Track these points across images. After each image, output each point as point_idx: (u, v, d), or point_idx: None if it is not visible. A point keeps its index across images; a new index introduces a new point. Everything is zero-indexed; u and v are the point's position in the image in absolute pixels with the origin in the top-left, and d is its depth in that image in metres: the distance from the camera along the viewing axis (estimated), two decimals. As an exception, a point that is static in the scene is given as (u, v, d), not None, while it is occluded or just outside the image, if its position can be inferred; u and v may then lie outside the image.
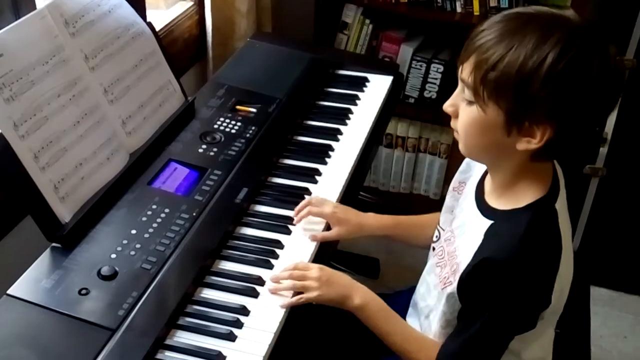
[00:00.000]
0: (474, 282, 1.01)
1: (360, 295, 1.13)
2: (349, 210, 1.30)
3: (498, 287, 0.99)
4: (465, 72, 0.97)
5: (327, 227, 1.27)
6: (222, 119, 1.46)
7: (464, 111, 1.00)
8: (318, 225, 1.27)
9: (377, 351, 1.18)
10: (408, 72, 2.15)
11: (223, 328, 1.03)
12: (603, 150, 2.06)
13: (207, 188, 1.27)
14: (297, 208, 1.26)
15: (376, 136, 1.60)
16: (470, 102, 0.98)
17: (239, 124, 1.46)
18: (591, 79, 0.91)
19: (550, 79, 0.90)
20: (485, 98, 0.95)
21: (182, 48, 1.92)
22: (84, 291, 1.03)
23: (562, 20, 0.93)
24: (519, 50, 0.91)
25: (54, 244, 1.11)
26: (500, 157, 1.02)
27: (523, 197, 1.02)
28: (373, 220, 1.32)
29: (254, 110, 1.51)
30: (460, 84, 1.00)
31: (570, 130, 0.94)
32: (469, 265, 1.01)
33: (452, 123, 1.04)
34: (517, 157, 1.00)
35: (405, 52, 2.15)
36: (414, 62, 2.14)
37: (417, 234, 1.33)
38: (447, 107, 1.03)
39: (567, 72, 0.89)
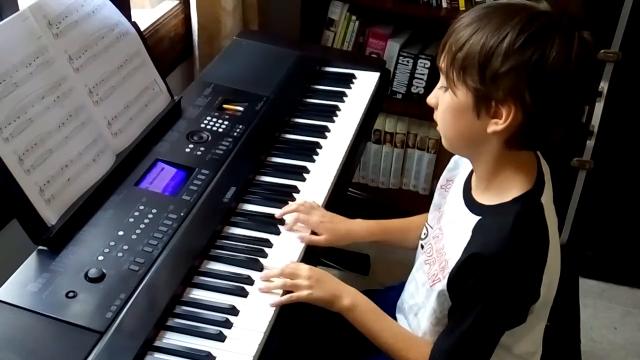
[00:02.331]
0: (463, 278, 1.01)
1: (350, 295, 1.13)
2: (336, 218, 1.29)
3: (487, 282, 0.99)
4: (440, 58, 1.02)
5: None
6: (209, 118, 1.46)
7: (441, 100, 1.03)
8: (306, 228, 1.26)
9: (365, 350, 1.18)
10: (395, 68, 2.15)
11: (212, 328, 1.03)
12: (590, 143, 2.07)
13: (195, 188, 1.26)
14: (284, 210, 1.26)
15: (364, 133, 1.60)
16: (445, 89, 1.01)
17: (226, 122, 1.45)
18: (550, 57, 0.92)
19: (509, 55, 0.93)
20: (454, 80, 0.98)
21: (167, 47, 1.91)
22: (71, 294, 1.02)
23: (527, 7, 0.97)
24: (483, 31, 0.95)
25: (40, 247, 1.10)
26: (476, 145, 1.03)
27: (508, 191, 1.03)
28: (360, 227, 1.32)
29: (241, 108, 1.51)
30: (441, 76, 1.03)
31: (536, 113, 0.95)
32: (458, 261, 1.02)
33: (434, 115, 1.06)
34: (491, 144, 1.01)
35: (392, 48, 2.15)
36: (401, 57, 2.14)
37: (405, 237, 1.33)
38: (430, 99, 1.06)
39: (525, 48, 0.92)
